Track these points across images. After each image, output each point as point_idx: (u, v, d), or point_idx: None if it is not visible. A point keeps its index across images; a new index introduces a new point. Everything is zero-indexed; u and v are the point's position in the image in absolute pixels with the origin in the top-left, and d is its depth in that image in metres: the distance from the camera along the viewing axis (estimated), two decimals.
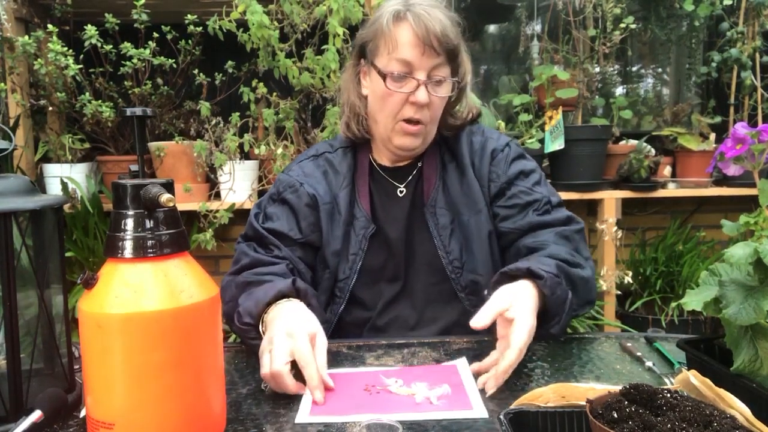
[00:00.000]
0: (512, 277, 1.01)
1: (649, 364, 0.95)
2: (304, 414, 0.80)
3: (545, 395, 0.69)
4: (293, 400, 0.85)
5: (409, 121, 1.13)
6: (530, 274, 0.98)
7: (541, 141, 2.37)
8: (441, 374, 0.91)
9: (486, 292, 1.05)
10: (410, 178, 1.22)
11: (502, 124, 2.40)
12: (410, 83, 1.11)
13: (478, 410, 0.80)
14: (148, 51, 2.16)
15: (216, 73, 2.27)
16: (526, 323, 0.88)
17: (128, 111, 0.68)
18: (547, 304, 0.97)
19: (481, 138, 1.25)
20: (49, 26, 2.08)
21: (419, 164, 1.23)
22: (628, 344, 1.04)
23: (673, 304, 2.44)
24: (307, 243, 1.17)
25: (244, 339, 1.00)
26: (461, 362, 0.95)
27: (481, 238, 1.18)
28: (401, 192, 1.22)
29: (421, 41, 1.08)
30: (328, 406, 0.82)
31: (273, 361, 0.84)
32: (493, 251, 1.19)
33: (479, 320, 0.87)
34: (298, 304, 0.98)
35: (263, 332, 0.95)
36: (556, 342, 1.06)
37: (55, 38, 2.06)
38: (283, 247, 1.15)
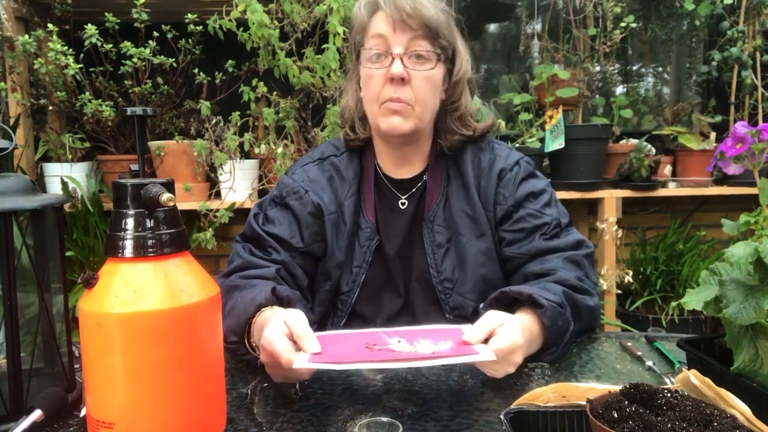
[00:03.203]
0: (513, 299, 0.99)
1: (649, 363, 0.95)
2: (302, 360, 0.78)
3: (545, 395, 0.69)
4: (293, 399, 0.85)
5: (390, 101, 1.08)
6: (531, 301, 0.96)
7: (542, 140, 2.37)
8: (445, 334, 0.89)
9: (481, 306, 1.04)
10: (414, 190, 1.19)
11: (503, 124, 2.40)
12: (387, 60, 1.08)
13: (485, 354, 0.79)
14: (148, 50, 2.16)
15: (216, 73, 2.27)
16: (509, 335, 0.86)
17: (129, 110, 0.68)
18: (546, 334, 0.95)
19: (489, 156, 1.18)
20: (49, 25, 2.08)
21: (424, 177, 1.19)
22: (629, 344, 1.04)
23: (674, 304, 2.44)
24: (308, 252, 1.14)
25: (235, 355, 0.98)
26: (466, 327, 0.92)
27: (476, 263, 1.13)
28: (403, 204, 1.18)
29: (391, 18, 1.06)
30: (328, 355, 0.80)
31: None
32: (488, 278, 1.14)
33: (472, 336, 0.85)
34: (269, 315, 0.93)
35: (249, 347, 0.95)
36: None
37: (55, 37, 2.06)
38: (282, 251, 1.12)
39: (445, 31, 1.11)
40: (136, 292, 0.63)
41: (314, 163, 1.21)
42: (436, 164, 1.19)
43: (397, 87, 1.07)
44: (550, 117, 2.36)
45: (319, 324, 1.15)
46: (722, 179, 2.52)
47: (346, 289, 1.14)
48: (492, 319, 0.88)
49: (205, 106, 2.17)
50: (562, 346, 0.98)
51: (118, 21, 2.17)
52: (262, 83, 2.17)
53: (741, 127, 0.84)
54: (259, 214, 1.18)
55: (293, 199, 1.16)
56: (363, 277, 1.14)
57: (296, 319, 0.85)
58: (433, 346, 0.83)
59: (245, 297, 0.97)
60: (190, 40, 2.25)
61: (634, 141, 2.55)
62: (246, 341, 0.95)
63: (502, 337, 0.85)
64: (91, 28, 2.11)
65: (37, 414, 0.72)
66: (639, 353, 0.99)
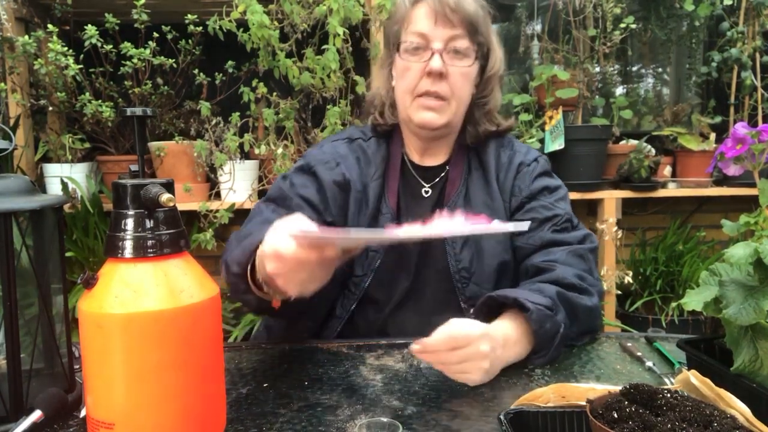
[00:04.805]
0: (500, 303, 0.98)
1: (649, 364, 0.95)
2: (309, 228, 0.74)
3: (545, 395, 0.69)
4: (293, 399, 0.85)
5: (427, 95, 1.10)
6: (517, 305, 0.95)
7: (541, 141, 2.37)
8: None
9: (471, 311, 1.04)
10: (437, 179, 1.20)
11: None
12: (426, 54, 1.09)
13: (517, 225, 0.78)
14: (148, 51, 2.16)
15: (216, 73, 2.27)
16: (462, 324, 0.85)
17: (128, 111, 0.68)
18: (535, 337, 0.95)
19: (509, 152, 1.21)
20: (50, 26, 2.08)
21: (447, 167, 1.21)
22: (629, 344, 1.04)
23: (674, 304, 2.44)
24: (330, 223, 1.12)
25: (235, 294, 0.93)
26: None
27: (493, 253, 1.14)
28: (426, 192, 1.20)
29: (433, 12, 1.08)
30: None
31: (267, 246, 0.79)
32: (504, 267, 1.14)
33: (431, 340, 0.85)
34: None
35: (252, 282, 0.89)
36: None
37: (55, 38, 2.06)
38: (307, 208, 1.09)
39: (483, 28, 1.13)
40: (136, 293, 0.63)
41: (343, 141, 1.22)
42: (458, 155, 1.21)
43: (434, 81, 1.09)
44: (550, 118, 2.36)
45: (330, 307, 1.15)
46: (722, 180, 2.52)
47: (360, 272, 1.14)
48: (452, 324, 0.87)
49: (205, 106, 2.17)
50: (553, 349, 0.96)
51: (118, 22, 2.17)
52: (262, 84, 2.17)
53: (741, 128, 0.84)
54: (286, 177, 1.17)
55: (323, 169, 1.15)
56: (378, 262, 1.13)
57: (294, 218, 0.80)
58: (449, 222, 0.79)
59: (259, 231, 0.88)
60: (190, 41, 2.25)
61: (633, 142, 2.56)
62: (249, 278, 0.89)
63: (451, 327, 0.85)
64: (91, 29, 2.11)
65: (37, 414, 0.72)
66: (639, 354, 0.99)
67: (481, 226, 0.74)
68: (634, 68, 3.09)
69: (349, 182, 1.15)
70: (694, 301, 0.80)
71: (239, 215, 2.28)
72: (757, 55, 2.52)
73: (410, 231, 0.76)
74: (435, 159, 1.21)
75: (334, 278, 1.07)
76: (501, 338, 0.91)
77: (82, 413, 0.79)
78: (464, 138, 1.21)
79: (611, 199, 2.42)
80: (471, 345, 0.85)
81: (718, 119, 2.57)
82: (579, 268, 1.08)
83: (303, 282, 0.81)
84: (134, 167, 0.68)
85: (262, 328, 1.26)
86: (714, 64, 2.52)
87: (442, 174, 1.20)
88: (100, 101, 2.15)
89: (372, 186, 1.16)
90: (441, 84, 1.09)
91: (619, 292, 2.50)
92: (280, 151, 2.16)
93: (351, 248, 0.83)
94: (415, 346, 0.85)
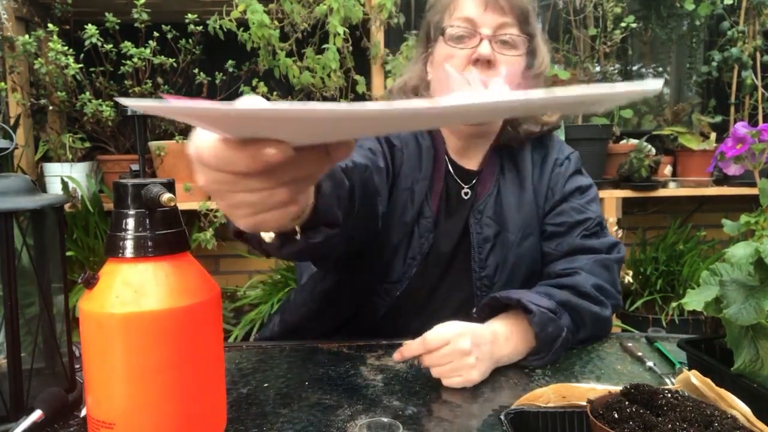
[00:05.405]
0: (506, 304, 0.97)
1: (649, 364, 0.95)
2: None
3: (546, 395, 0.69)
4: (294, 399, 0.85)
5: None
6: (520, 307, 0.94)
7: None
8: None
9: (474, 311, 1.02)
10: (474, 181, 1.14)
11: None
12: (473, 41, 1.02)
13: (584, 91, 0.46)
14: (148, 50, 2.16)
15: (216, 73, 2.27)
16: (437, 329, 0.87)
17: (129, 110, 0.68)
18: (536, 339, 0.93)
19: (541, 148, 1.16)
20: (50, 25, 2.08)
21: (482, 167, 1.15)
22: (629, 344, 1.04)
23: (674, 304, 2.44)
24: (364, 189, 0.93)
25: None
26: None
27: (522, 264, 1.09)
28: (466, 194, 1.13)
29: None
30: None
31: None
32: (529, 281, 1.09)
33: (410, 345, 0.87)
34: None
35: None
36: None
37: (55, 37, 2.06)
38: (381, 158, 1.01)
39: (532, 20, 1.07)
40: (137, 293, 0.63)
41: None
42: (492, 155, 1.15)
43: (481, 69, 1.01)
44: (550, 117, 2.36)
45: (358, 308, 1.12)
46: (722, 179, 2.52)
47: (396, 277, 1.09)
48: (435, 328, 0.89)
49: None
50: (552, 352, 0.95)
51: (119, 21, 2.17)
52: (262, 83, 2.18)
53: (741, 128, 0.84)
54: None
55: (386, 147, 1.07)
56: (414, 270, 1.09)
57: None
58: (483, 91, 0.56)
59: None
60: (190, 40, 2.25)
61: (634, 141, 2.55)
62: None
63: (430, 332, 0.87)
64: (91, 28, 2.11)
65: (37, 414, 0.72)
66: (639, 354, 0.99)
67: (525, 92, 0.41)
68: (635, 67, 3.09)
69: (398, 175, 1.08)
70: (694, 301, 0.80)
71: None
72: (758, 54, 2.53)
73: (427, 103, 0.39)
74: (475, 161, 1.15)
75: (353, 232, 0.87)
76: (489, 335, 0.90)
77: (83, 413, 0.79)
78: (498, 137, 1.15)
79: (611, 198, 2.42)
80: (449, 344, 0.85)
81: (718, 119, 2.57)
82: (601, 278, 1.05)
83: (249, 207, 0.52)
84: (135, 167, 0.69)
85: (277, 322, 1.21)
86: (714, 64, 2.52)
87: (479, 175, 1.15)
88: (100, 100, 2.15)
89: (420, 185, 1.09)
90: (488, 73, 1.02)
91: None
92: None
93: (323, 145, 0.48)
94: (396, 354, 0.87)
